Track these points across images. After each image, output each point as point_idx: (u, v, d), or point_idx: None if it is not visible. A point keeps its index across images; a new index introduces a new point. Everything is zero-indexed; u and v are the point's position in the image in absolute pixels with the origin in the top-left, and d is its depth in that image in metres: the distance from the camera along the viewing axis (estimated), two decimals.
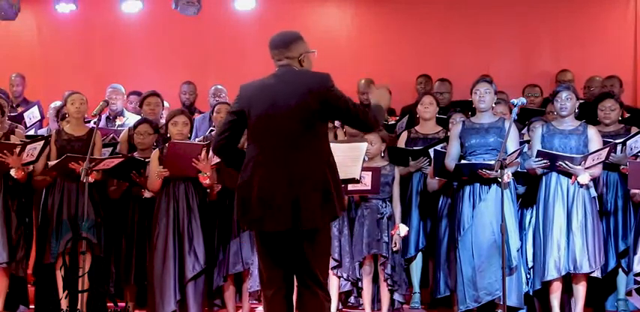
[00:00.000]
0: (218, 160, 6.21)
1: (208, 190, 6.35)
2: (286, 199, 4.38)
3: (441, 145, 6.77)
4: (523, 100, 5.90)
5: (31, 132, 7.79)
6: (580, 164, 6.16)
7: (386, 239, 6.46)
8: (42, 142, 6.38)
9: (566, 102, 6.35)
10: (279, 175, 4.39)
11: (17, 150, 6.26)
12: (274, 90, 4.46)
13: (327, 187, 4.42)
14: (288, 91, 4.42)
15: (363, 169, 6.08)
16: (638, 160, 6.48)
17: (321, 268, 4.54)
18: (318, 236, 4.48)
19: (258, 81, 4.56)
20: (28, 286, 6.89)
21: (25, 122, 7.92)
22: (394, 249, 6.45)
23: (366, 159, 6.38)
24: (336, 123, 6.90)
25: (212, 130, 7.32)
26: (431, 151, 6.77)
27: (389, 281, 6.45)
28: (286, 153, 4.41)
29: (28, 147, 6.31)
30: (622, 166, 6.53)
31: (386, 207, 6.53)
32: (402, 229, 6.50)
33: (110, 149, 6.87)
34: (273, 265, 4.54)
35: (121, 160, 6.38)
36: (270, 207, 4.40)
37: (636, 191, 6.46)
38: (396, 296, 6.50)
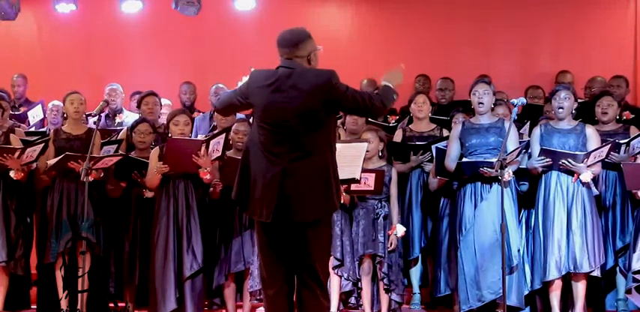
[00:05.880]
0: (218, 155, 6.23)
1: (211, 189, 6.34)
2: (282, 191, 4.43)
3: (443, 143, 6.77)
4: (523, 100, 5.92)
5: (32, 129, 7.79)
6: (583, 162, 6.16)
7: (381, 239, 6.45)
8: (42, 145, 6.37)
9: (564, 101, 6.36)
10: (278, 166, 4.45)
11: (17, 154, 6.27)
12: (284, 84, 4.50)
13: (326, 181, 4.49)
14: (296, 88, 4.48)
15: (368, 170, 6.13)
16: (638, 160, 6.48)
17: (322, 266, 4.57)
18: (317, 230, 4.52)
19: (271, 72, 4.59)
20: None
21: (28, 121, 8.00)
22: (389, 249, 6.45)
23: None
24: (338, 122, 6.86)
25: (214, 128, 7.32)
26: (432, 149, 6.77)
27: (385, 281, 6.44)
28: (288, 145, 4.47)
29: (28, 149, 6.32)
30: None
31: (382, 207, 6.52)
32: (400, 230, 6.48)
33: (115, 147, 6.86)
34: (274, 261, 4.56)
35: (119, 158, 6.39)
36: (266, 198, 4.46)
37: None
38: (394, 296, 6.48)
